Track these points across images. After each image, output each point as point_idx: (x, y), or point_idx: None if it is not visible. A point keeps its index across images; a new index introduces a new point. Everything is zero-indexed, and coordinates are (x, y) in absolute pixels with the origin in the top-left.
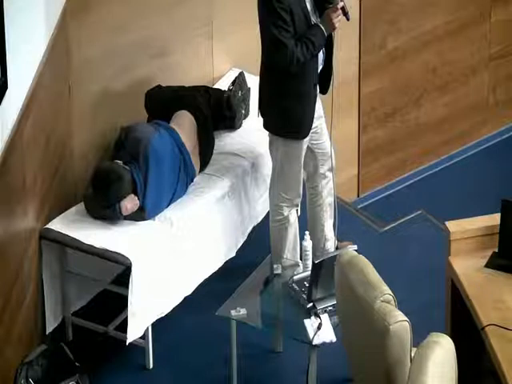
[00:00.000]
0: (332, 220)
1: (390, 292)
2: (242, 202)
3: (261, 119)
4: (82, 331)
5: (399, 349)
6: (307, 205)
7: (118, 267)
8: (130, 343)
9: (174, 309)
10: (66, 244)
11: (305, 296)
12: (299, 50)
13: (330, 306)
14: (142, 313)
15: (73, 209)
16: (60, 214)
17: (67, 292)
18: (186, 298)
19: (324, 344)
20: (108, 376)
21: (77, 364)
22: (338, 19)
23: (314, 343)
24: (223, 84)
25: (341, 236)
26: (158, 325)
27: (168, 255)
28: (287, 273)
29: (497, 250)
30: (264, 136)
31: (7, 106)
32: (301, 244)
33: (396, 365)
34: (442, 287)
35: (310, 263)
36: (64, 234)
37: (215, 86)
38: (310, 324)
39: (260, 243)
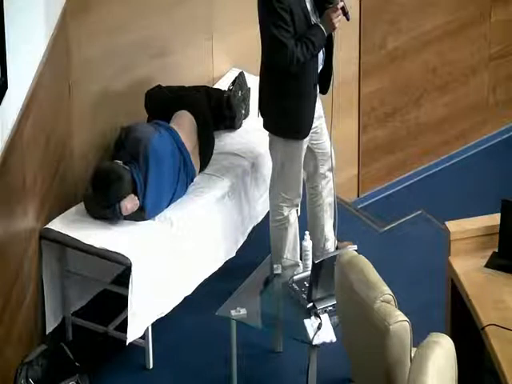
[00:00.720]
0: (332, 220)
1: (390, 292)
2: (242, 202)
3: (261, 119)
4: (82, 331)
5: (399, 349)
6: (307, 205)
7: (118, 267)
8: (130, 343)
9: (174, 309)
10: (66, 244)
11: (305, 296)
12: (299, 49)
13: (329, 305)
14: (142, 313)
15: (73, 209)
16: (60, 214)
17: (67, 292)
18: (186, 298)
19: (324, 344)
20: (108, 376)
21: (77, 364)
22: (338, 19)
23: (314, 343)
24: (223, 84)
25: (341, 236)
26: (158, 325)
27: (168, 255)
28: (287, 273)
29: (497, 250)
30: (264, 136)
31: (7, 106)
32: (301, 244)
33: (396, 365)
34: (442, 287)
35: (309, 263)
36: (64, 234)
37: (215, 86)
38: (310, 324)
39: (260, 243)
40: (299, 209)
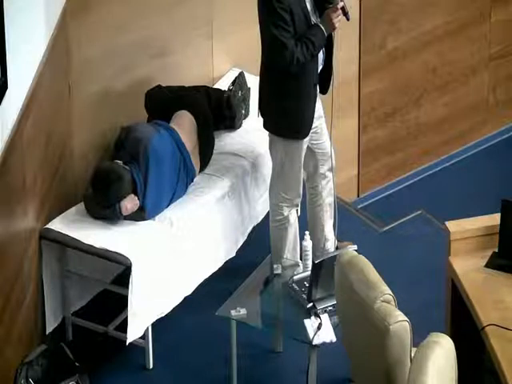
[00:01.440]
0: (332, 220)
1: (390, 292)
2: (242, 202)
3: (261, 119)
4: (82, 331)
5: (399, 349)
6: (307, 205)
7: (118, 267)
8: (130, 343)
9: (174, 309)
10: (66, 244)
11: (305, 296)
12: (299, 50)
13: (330, 305)
14: (142, 313)
15: (73, 209)
16: (60, 213)
17: (67, 292)
18: (186, 298)
19: (324, 344)
20: (108, 376)
21: (77, 364)
22: (338, 19)
23: (314, 343)
24: (223, 84)
25: (341, 236)
26: (158, 325)
27: (168, 255)
28: (287, 273)
29: (497, 250)
30: (264, 136)
31: (7, 105)
32: (301, 244)
33: (396, 365)
34: (442, 287)
35: (309, 263)
36: (64, 234)
37: (215, 86)
38: (310, 324)
39: (260, 243)
40: (299, 209)
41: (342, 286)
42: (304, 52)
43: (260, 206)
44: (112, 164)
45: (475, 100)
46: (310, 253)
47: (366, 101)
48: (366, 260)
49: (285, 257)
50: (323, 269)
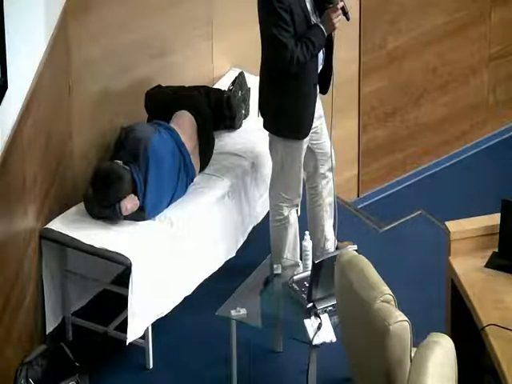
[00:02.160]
0: (332, 220)
1: (390, 292)
2: (242, 202)
3: (261, 119)
4: (82, 331)
5: (399, 349)
6: (307, 205)
7: (118, 267)
8: (129, 343)
9: (174, 309)
10: (65, 244)
11: (305, 296)
12: (299, 50)
13: (330, 306)
14: (142, 313)
15: (73, 209)
16: (60, 214)
17: (67, 292)
18: (186, 298)
19: (324, 344)
20: (108, 376)
21: (77, 364)
22: (338, 19)
23: (314, 343)
24: (223, 84)
25: (341, 236)
26: (158, 325)
27: (168, 255)
28: (287, 273)
29: (497, 250)
30: (264, 136)
31: (7, 105)
32: (301, 244)
33: (396, 365)
34: (442, 287)
35: (309, 263)
36: (64, 234)
37: (215, 86)
38: (310, 324)
39: (260, 243)
40: (299, 209)
41: (342, 286)
42: (304, 52)
43: (260, 206)
44: (112, 164)
45: (475, 100)
46: (309, 253)
47: (366, 101)
48: (366, 260)
49: (285, 257)
50: (323, 269)
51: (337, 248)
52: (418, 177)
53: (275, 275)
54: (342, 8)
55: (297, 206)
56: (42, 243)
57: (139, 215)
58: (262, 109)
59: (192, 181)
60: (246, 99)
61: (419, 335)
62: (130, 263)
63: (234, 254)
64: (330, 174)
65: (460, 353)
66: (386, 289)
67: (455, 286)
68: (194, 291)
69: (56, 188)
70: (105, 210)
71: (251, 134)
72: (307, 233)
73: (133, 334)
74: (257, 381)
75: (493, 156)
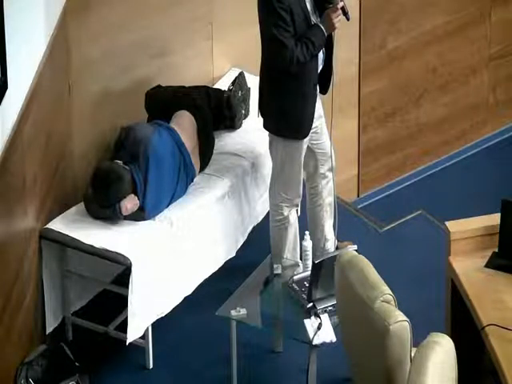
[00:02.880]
0: (332, 220)
1: (390, 292)
2: (242, 202)
3: (261, 119)
4: (82, 331)
5: (399, 349)
6: (307, 205)
7: (118, 267)
8: (130, 343)
9: (174, 309)
10: (66, 244)
11: (305, 296)
12: (299, 50)
13: (330, 306)
14: (142, 313)
15: (73, 209)
16: (60, 214)
17: (67, 292)
18: (186, 298)
19: (324, 344)
20: (108, 376)
21: (77, 364)
22: (338, 19)
23: (314, 343)
24: (223, 84)
25: (341, 236)
26: (158, 325)
27: (168, 255)
28: (287, 273)
29: (497, 250)
30: (264, 136)
31: (7, 105)
32: (301, 244)
33: (396, 365)
34: (442, 287)
35: (309, 263)
36: (64, 234)
37: (215, 86)
38: (310, 324)
39: (260, 243)
40: (299, 209)
41: (342, 286)
42: (304, 52)
43: (260, 206)
44: (112, 164)
45: (475, 100)
46: (309, 253)
47: (366, 101)
48: (366, 260)
49: (285, 257)
50: (323, 269)
51: (337, 248)
52: (418, 177)
53: (275, 275)
54: (342, 8)
55: (297, 205)
56: (42, 243)
57: (139, 215)
58: (262, 109)
59: (192, 181)
60: (246, 99)
61: (419, 335)
62: (130, 263)
63: (233, 254)
64: (330, 174)
65: (460, 353)
66: (386, 289)
67: (455, 286)
68: (194, 291)
69: (56, 188)
70: (105, 210)
71: (251, 134)
72: (307, 233)
73: (133, 333)
74: (257, 381)
75: (493, 156)
